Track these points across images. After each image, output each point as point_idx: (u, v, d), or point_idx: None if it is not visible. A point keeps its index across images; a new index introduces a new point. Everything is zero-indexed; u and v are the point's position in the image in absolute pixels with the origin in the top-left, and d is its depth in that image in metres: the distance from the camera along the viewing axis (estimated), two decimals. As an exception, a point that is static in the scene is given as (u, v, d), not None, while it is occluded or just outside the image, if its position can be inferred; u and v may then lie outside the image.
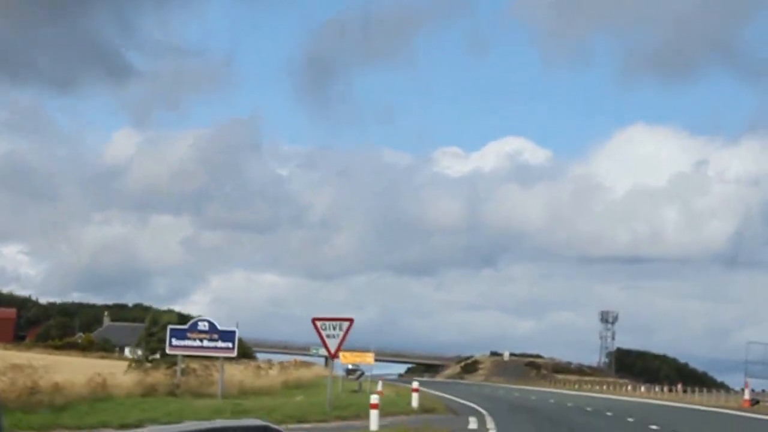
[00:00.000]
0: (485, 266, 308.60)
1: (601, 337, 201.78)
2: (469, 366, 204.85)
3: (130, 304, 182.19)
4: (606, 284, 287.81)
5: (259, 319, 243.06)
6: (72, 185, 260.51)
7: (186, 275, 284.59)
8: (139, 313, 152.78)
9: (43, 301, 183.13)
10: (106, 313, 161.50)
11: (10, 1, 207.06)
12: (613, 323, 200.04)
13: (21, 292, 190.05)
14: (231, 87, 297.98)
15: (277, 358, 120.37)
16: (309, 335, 68.89)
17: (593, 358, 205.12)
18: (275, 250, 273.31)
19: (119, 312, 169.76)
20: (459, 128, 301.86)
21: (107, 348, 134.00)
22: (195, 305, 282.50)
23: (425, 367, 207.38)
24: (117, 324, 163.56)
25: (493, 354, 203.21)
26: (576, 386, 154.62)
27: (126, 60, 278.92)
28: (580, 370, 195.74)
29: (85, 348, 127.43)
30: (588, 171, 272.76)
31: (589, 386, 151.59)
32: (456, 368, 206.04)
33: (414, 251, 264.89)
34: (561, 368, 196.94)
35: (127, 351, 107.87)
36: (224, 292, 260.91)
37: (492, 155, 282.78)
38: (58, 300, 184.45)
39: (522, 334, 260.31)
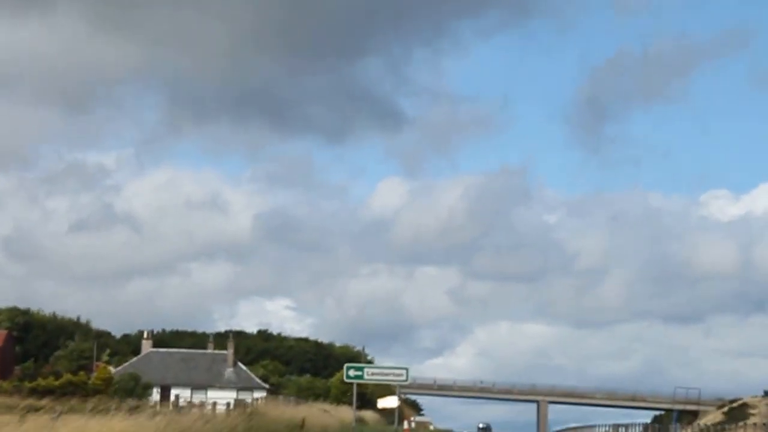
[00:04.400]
0: (756, 312, 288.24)
1: None
2: (736, 411, 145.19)
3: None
4: None
5: (523, 370, 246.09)
6: (340, 238, 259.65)
7: (452, 327, 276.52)
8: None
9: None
10: (145, 334, 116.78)
11: (284, 54, 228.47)
12: None
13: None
14: (502, 132, 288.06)
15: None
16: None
17: None
18: (541, 299, 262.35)
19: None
20: (730, 168, 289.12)
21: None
22: (460, 357, 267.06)
23: (678, 414, 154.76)
24: (162, 351, 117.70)
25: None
26: None
27: (398, 108, 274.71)
28: None
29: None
30: None
31: None
32: (717, 415, 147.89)
33: (682, 298, 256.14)
34: None
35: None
36: (489, 343, 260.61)
37: (764, 197, 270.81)
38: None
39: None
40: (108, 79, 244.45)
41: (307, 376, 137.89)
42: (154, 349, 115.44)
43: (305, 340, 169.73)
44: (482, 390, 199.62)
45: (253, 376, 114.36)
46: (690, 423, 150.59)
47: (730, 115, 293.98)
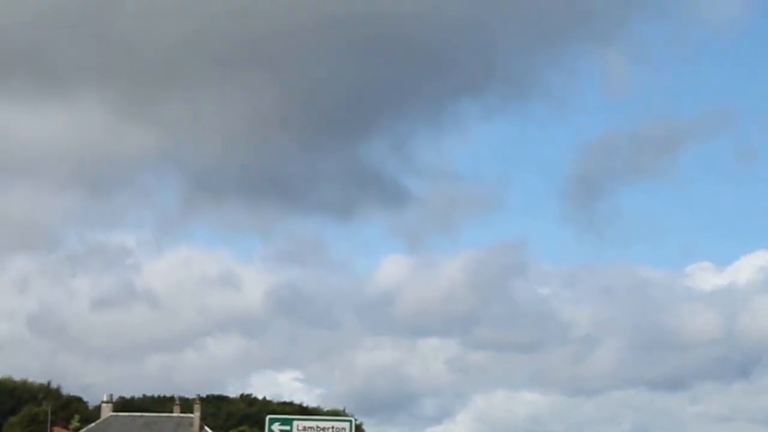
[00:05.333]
0: (739, 378, 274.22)
1: None
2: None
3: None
4: None
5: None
6: (345, 312, 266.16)
7: (452, 395, 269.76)
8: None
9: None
10: (105, 397, 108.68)
11: (295, 138, 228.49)
12: None
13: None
14: (501, 209, 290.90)
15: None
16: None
17: None
18: (536, 368, 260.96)
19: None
20: (714, 241, 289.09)
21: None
22: (459, 425, 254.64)
23: None
24: (123, 415, 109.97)
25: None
26: None
27: (402, 187, 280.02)
28: None
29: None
30: None
31: None
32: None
33: (668, 365, 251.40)
34: None
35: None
36: (487, 410, 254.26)
37: (745, 268, 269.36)
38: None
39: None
40: (127, 164, 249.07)
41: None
42: (115, 414, 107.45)
43: (290, 404, 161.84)
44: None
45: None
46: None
47: (715, 190, 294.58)
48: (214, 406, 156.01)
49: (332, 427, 46.31)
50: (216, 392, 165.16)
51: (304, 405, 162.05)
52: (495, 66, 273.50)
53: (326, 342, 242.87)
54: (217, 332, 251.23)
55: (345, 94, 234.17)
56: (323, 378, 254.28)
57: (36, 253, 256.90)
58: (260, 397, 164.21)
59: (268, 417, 46.37)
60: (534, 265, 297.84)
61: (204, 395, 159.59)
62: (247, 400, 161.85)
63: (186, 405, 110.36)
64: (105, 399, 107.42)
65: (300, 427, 45.99)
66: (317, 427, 46.57)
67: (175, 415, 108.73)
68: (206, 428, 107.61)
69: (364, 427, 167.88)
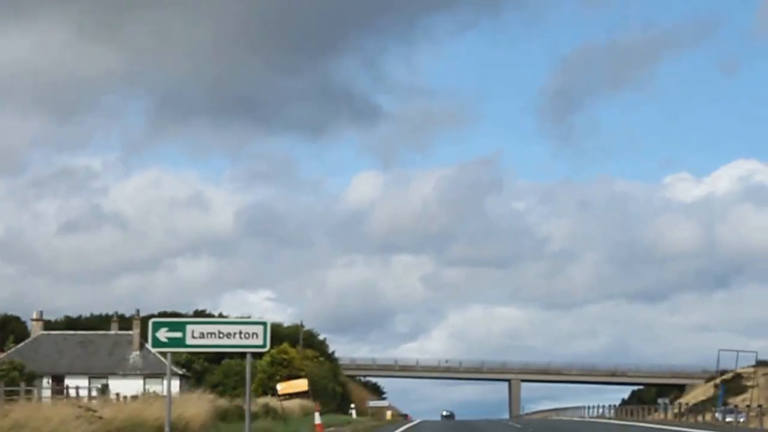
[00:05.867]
0: (718, 288, 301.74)
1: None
2: (732, 384, 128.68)
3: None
4: None
5: (495, 351, 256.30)
6: (317, 231, 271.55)
7: (427, 312, 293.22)
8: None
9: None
10: (34, 314, 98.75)
11: (263, 56, 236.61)
12: None
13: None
14: (476, 125, 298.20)
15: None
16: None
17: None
18: (513, 284, 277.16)
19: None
20: (693, 152, 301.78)
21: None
22: (434, 341, 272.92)
23: (658, 390, 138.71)
24: (54, 334, 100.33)
25: (761, 363, 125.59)
26: None
27: (374, 104, 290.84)
28: None
29: None
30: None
31: None
32: (707, 388, 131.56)
33: (647, 278, 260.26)
34: None
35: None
36: (462, 327, 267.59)
37: (724, 178, 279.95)
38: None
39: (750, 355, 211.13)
40: (92, 86, 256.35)
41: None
42: (46, 332, 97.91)
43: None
44: (448, 370, 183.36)
45: (164, 360, 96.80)
46: (677, 397, 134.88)
47: (694, 101, 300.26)
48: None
49: (239, 332, 34.98)
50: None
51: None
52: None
53: (298, 261, 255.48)
54: (187, 253, 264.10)
55: (314, 10, 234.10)
56: (296, 297, 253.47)
57: (1, 178, 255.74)
58: (215, 314, 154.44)
59: (151, 321, 35.34)
60: (509, 180, 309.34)
61: (155, 313, 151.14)
62: (201, 317, 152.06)
63: (126, 323, 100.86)
64: (34, 317, 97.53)
65: (196, 333, 34.76)
66: (220, 332, 35.15)
67: (112, 332, 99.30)
68: (147, 345, 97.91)
69: (328, 342, 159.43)
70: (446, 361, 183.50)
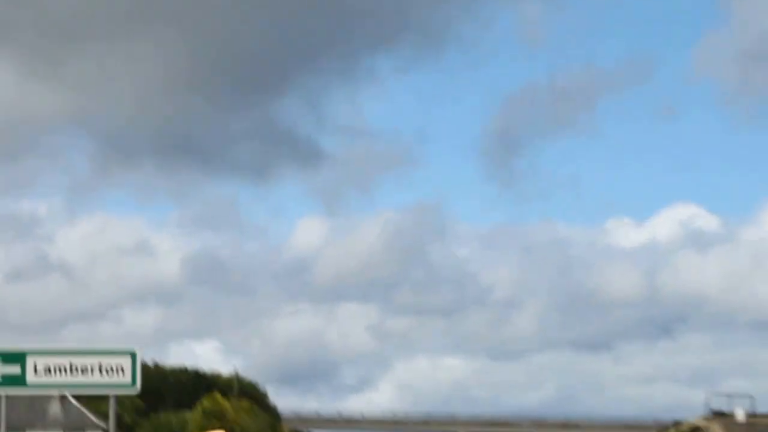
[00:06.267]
0: (662, 337, 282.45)
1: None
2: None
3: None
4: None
5: (442, 402, 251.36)
6: (263, 278, 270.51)
7: (373, 363, 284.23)
8: None
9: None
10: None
11: (208, 97, 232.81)
12: None
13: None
14: (419, 166, 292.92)
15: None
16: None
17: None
18: (458, 333, 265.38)
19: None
20: (633, 197, 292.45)
21: None
22: (381, 393, 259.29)
23: None
24: None
25: (719, 414, 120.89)
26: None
27: (318, 145, 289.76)
28: None
29: None
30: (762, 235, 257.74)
31: None
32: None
33: (592, 326, 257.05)
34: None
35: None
36: (409, 378, 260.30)
37: (664, 223, 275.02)
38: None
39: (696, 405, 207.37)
40: (35, 127, 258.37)
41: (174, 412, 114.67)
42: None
43: (183, 370, 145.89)
44: (395, 423, 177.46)
45: (86, 412, 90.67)
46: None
47: (633, 145, 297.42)
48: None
49: (99, 366, 28.30)
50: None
51: (200, 371, 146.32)
52: (409, 16, 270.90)
53: (244, 309, 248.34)
54: (134, 302, 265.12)
55: (256, 50, 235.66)
56: (242, 347, 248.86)
57: None
58: (150, 364, 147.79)
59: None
60: (452, 225, 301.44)
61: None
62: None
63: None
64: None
65: (40, 367, 28.12)
66: (73, 366, 28.31)
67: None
68: (69, 397, 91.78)
69: (270, 395, 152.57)
70: (393, 414, 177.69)
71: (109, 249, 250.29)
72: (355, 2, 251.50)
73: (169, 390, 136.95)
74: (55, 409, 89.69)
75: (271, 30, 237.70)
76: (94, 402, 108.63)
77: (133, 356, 27.43)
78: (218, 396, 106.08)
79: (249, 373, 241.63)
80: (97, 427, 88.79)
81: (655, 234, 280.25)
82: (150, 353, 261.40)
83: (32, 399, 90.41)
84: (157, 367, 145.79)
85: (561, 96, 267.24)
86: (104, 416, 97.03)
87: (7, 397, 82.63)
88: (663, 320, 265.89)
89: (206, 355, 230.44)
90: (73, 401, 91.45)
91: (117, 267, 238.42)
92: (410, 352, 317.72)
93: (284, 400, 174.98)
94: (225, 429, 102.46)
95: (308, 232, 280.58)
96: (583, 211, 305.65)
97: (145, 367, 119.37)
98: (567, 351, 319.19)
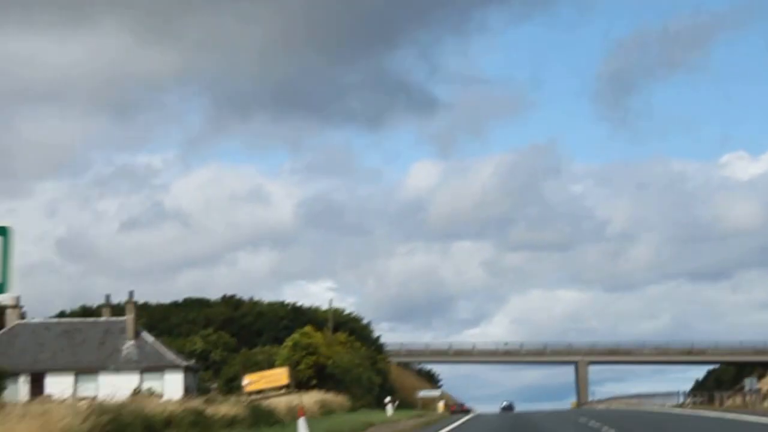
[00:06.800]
0: None
1: None
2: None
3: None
4: None
5: (558, 333, 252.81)
6: (377, 220, 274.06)
7: (489, 297, 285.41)
8: None
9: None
10: (10, 299, 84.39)
11: (319, 50, 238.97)
12: None
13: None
14: (532, 111, 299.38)
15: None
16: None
17: None
18: (573, 267, 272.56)
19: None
20: (748, 131, 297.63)
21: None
22: (496, 326, 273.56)
23: (737, 369, 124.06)
24: (34, 323, 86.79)
25: None
26: None
27: (431, 94, 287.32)
28: None
29: None
30: None
31: None
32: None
33: (708, 256, 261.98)
34: None
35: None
36: (524, 311, 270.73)
37: None
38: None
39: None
40: (151, 85, 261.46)
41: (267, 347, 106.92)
42: (23, 321, 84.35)
43: (281, 304, 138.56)
44: (508, 353, 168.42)
45: (164, 350, 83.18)
46: (761, 377, 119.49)
47: (748, 80, 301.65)
48: (195, 311, 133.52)
49: None
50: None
51: (298, 305, 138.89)
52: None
53: (358, 251, 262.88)
54: (248, 246, 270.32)
55: (369, 6, 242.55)
56: (357, 287, 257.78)
57: (63, 178, 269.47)
58: (245, 298, 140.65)
59: None
60: (567, 164, 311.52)
61: (180, 299, 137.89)
62: (232, 302, 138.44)
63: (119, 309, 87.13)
64: (11, 303, 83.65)
65: None
66: None
67: (102, 319, 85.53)
68: (144, 334, 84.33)
69: (375, 329, 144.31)
70: (505, 344, 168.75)
71: (223, 196, 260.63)
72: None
73: (265, 325, 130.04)
74: (129, 347, 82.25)
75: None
76: (176, 341, 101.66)
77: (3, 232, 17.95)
78: (310, 329, 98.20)
79: (363, 311, 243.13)
80: (177, 366, 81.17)
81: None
82: (265, 294, 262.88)
83: (105, 336, 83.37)
84: (252, 302, 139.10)
85: (673, 39, 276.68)
86: (186, 355, 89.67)
87: (78, 336, 74.72)
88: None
89: (320, 295, 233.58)
90: (149, 338, 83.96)
91: (231, 213, 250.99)
92: (525, 286, 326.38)
93: (398, 335, 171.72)
94: (317, 362, 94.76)
95: (422, 175, 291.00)
96: (698, 148, 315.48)
97: (239, 302, 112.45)
98: (683, 281, 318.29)
